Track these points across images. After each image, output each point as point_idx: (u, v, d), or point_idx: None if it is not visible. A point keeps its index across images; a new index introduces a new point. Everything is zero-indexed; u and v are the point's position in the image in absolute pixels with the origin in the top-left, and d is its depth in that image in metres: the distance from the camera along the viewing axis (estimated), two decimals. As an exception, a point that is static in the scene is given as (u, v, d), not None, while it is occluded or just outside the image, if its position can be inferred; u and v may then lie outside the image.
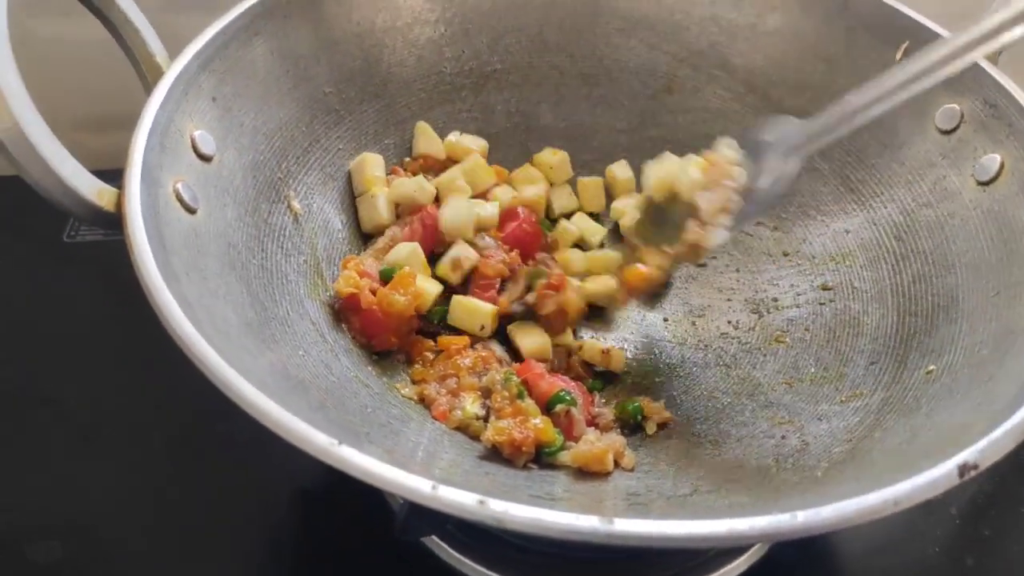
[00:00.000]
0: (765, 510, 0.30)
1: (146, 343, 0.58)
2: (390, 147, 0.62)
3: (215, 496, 0.54)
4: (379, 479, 0.30)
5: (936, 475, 0.32)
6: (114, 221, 0.41)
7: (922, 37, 0.55)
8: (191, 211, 0.45)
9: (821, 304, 0.54)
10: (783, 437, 0.46)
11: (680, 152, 0.64)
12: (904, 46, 0.56)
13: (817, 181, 0.60)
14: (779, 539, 0.31)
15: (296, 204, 0.55)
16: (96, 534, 0.51)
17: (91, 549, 0.51)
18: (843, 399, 0.47)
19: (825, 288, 0.55)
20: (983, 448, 0.32)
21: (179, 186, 0.45)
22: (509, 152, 0.66)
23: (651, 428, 0.49)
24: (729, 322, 0.57)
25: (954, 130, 0.53)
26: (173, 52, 0.50)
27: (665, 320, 0.58)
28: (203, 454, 0.56)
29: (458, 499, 0.30)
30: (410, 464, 0.32)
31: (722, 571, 0.50)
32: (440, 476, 0.31)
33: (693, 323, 0.58)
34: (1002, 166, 0.49)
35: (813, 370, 0.51)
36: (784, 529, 0.29)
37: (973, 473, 0.32)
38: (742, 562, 0.51)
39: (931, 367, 0.44)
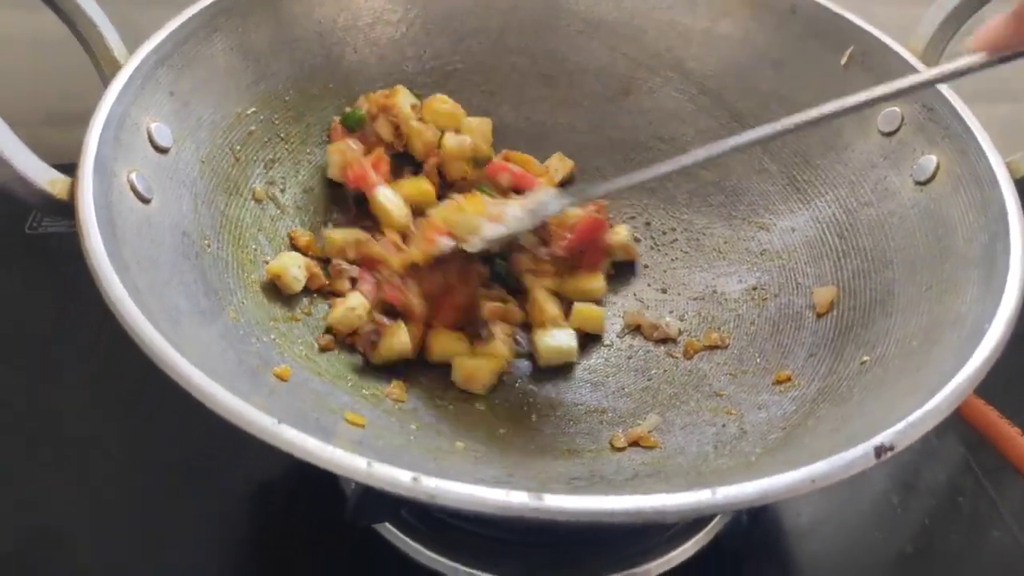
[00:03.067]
0: (690, 487, 0.31)
1: (106, 334, 0.59)
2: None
3: (173, 489, 0.54)
4: (315, 457, 0.31)
5: (853, 456, 0.33)
6: (68, 209, 0.41)
7: (866, 42, 0.57)
8: (145, 201, 0.46)
9: (765, 299, 0.56)
10: (723, 425, 0.47)
11: (638, 150, 0.66)
12: (849, 51, 0.58)
13: (766, 181, 0.61)
14: (702, 514, 0.32)
15: (259, 193, 0.56)
16: (52, 533, 0.52)
17: (47, 546, 0.51)
18: (782, 389, 0.48)
19: (766, 285, 0.56)
20: (899, 430, 0.34)
21: (133, 176, 0.46)
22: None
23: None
24: (678, 316, 0.59)
25: (895, 132, 0.55)
26: (134, 47, 0.50)
27: (616, 314, 0.60)
28: (161, 448, 0.56)
29: (392, 475, 0.31)
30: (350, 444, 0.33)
31: (671, 555, 0.52)
32: (379, 457, 0.32)
33: (643, 315, 0.59)
34: (938, 166, 0.51)
35: (757, 361, 0.52)
36: (704, 504, 0.30)
37: (889, 454, 0.33)
38: (690, 546, 0.52)
39: (865, 358, 0.46)
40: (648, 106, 0.67)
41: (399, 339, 0.51)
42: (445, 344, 0.53)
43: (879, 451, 0.33)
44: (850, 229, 0.55)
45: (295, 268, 0.52)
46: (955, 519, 0.57)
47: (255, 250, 0.53)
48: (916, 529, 0.56)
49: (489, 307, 0.55)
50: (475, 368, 0.52)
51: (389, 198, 0.58)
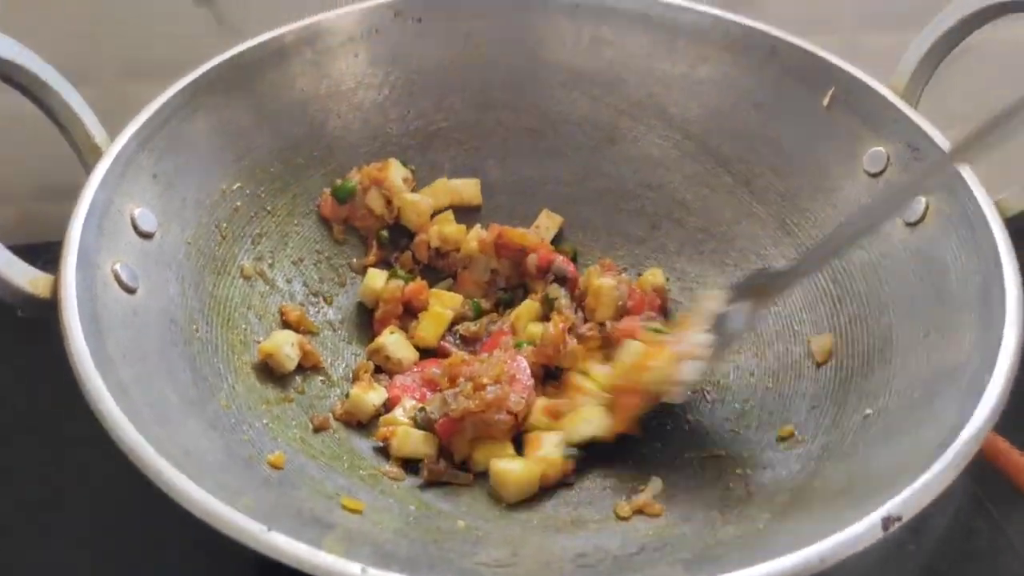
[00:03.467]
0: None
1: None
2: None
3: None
4: (307, 564, 0.30)
5: (861, 530, 0.32)
6: (50, 308, 0.41)
7: (846, 82, 0.57)
8: (130, 291, 0.46)
9: (762, 348, 0.55)
10: (729, 486, 0.46)
11: (626, 199, 0.66)
12: (831, 92, 0.57)
13: (756, 225, 0.61)
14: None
15: (247, 269, 0.55)
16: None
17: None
18: (786, 446, 0.47)
19: (761, 333, 0.56)
20: (905, 500, 0.33)
21: (117, 267, 0.46)
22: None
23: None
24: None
25: (881, 172, 0.54)
26: (112, 127, 0.50)
27: None
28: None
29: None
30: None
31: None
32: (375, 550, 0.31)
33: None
34: (927, 207, 0.50)
35: (758, 415, 0.52)
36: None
37: (897, 525, 0.33)
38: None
39: (868, 411, 0.45)
40: (633, 154, 0.67)
41: (428, 446, 0.50)
42: (489, 451, 0.50)
43: (887, 523, 0.32)
44: (843, 273, 0.54)
45: (288, 346, 0.52)
46: (965, 550, 0.56)
47: (245, 329, 0.53)
48: (924, 562, 0.55)
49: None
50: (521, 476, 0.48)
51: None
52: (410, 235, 0.64)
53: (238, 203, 0.57)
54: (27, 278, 0.40)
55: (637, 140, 0.66)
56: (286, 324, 0.55)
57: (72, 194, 0.45)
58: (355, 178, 0.61)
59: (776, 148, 0.61)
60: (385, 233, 0.62)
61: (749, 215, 0.61)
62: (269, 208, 0.59)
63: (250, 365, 0.51)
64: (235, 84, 0.58)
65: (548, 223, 0.65)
